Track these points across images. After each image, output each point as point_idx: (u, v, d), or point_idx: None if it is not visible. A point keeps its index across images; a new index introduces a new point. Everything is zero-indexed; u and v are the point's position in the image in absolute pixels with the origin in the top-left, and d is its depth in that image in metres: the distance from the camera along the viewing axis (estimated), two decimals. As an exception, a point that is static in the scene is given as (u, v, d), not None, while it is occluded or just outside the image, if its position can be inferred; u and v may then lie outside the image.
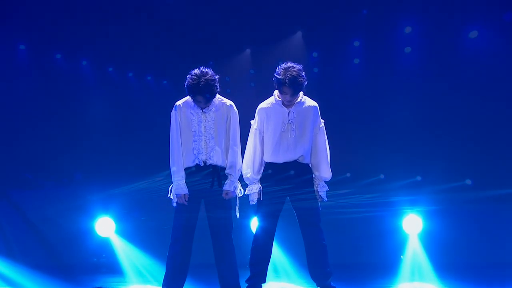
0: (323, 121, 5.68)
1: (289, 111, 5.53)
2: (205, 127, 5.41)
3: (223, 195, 5.44)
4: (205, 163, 5.40)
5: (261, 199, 5.53)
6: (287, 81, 5.36)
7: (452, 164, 7.75)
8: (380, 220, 7.99)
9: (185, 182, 5.41)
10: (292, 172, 5.52)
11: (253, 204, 5.62)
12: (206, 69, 5.38)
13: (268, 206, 5.55)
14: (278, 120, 5.54)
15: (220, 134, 5.45)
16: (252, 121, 5.67)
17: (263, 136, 5.61)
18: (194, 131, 5.42)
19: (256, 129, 5.62)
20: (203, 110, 5.43)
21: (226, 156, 5.47)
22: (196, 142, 5.39)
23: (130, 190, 7.70)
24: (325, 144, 5.66)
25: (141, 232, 8.05)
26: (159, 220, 7.47)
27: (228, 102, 5.56)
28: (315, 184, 5.59)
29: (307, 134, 5.54)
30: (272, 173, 5.54)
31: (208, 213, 5.45)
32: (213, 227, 5.45)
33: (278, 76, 5.42)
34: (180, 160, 5.36)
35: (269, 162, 5.59)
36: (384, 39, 8.11)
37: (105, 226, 8.14)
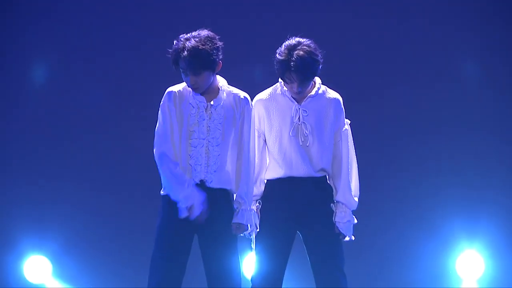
0: (349, 121, 4.34)
1: (300, 107, 4.23)
2: (209, 128, 4.07)
3: (233, 230, 4.11)
4: (203, 182, 4.06)
5: (260, 228, 4.23)
6: (292, 64, 4.07)
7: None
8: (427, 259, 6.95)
9: (172, 209, 4.06)
10: (305, 193, 4.24)
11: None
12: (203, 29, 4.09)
13: (270, 239, 4.20)
14: (285, 118, 4.23)
15: (227, 140, 4.13)
16: None
17: (264, 140, 4.31)
18: (194, 131, 4.07)
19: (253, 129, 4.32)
20: (212, 104, 4.09)
21: (238, 173, 4.17)
22: (195, 149, 4.07)
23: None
24: (349, 156, 4.32)
25: (86, 273, 7.13)
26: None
27: (242, 93, 4.21)
28: (334, 212, 4.26)
29: (326, 139, 4.26)
30: (277, 194, 4.26)
31: (206, 255, 4.14)
32: (212, 277, 4.13)
33: (280, 58, 4.12)
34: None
35: (273, 179, 4.28)
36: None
37: (37, 268, 7.17)
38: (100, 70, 7.31)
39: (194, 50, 3.96)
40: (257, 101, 4.26)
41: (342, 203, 4.20)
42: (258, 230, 4.17)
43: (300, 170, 4.17)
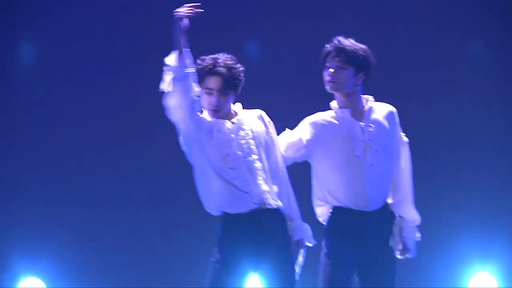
0: (403, 134, 4.16)
1: (362, 123, 3.97)
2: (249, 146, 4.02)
3: (294, 247, 3.97)
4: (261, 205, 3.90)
5: (323, 263, 4.02)
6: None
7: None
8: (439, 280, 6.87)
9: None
10: (371, 228, 4.01)
11: None
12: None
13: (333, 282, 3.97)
14: (348, 139, 3.99)
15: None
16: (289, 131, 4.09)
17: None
18: (228, 154, 3.97)
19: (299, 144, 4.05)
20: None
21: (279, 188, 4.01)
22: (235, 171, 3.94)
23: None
24: (410, 169, 4.11)
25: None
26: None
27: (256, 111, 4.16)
28: (397, 231, 4.03)
29: (393, 158, 4.04)
30: (345, 227, 4.02)
31: None
32: None
33: None
34: None
35: (338, 207, 4.05)
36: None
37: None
38: (101, 72, 7.31)
39: (228, 67, 3.84)
40: (310, 122, 4.03)
41: (407, 219, 4.03)
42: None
43: (368, 200, 3.96)
